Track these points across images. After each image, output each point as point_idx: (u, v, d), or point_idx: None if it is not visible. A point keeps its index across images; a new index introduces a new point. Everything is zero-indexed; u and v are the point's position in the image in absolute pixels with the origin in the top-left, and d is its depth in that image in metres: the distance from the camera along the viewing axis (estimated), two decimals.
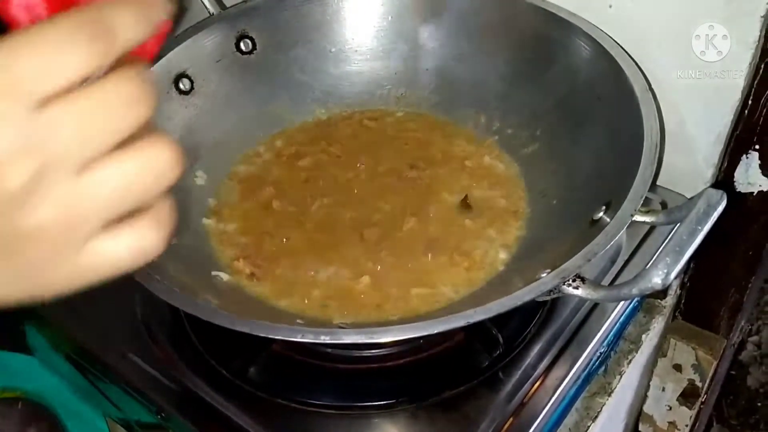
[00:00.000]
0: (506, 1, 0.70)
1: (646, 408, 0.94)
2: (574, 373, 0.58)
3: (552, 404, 0.56)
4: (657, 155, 0.53)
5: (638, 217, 0.50)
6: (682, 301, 0.83)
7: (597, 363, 0.64)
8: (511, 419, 0.55)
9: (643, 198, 0.50)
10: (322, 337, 0.45)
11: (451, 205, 0.65)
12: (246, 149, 0.71)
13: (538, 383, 0.57)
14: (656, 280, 0.44)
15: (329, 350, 0.60)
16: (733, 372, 1.25)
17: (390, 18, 0.74)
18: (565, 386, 0.57)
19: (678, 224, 0.47)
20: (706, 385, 0.86)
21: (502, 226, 0.63)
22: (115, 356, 0.62)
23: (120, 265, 0.27)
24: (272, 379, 0.59)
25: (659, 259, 0.45)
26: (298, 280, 0.59)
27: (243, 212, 0.65)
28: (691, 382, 0.86)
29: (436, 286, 0.59)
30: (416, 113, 0.75)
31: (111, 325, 0.64)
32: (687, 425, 0.91)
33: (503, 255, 0.61)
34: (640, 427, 0.96)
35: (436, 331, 0.45)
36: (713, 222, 0.47)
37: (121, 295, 0.65)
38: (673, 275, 0.44)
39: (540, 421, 0.55)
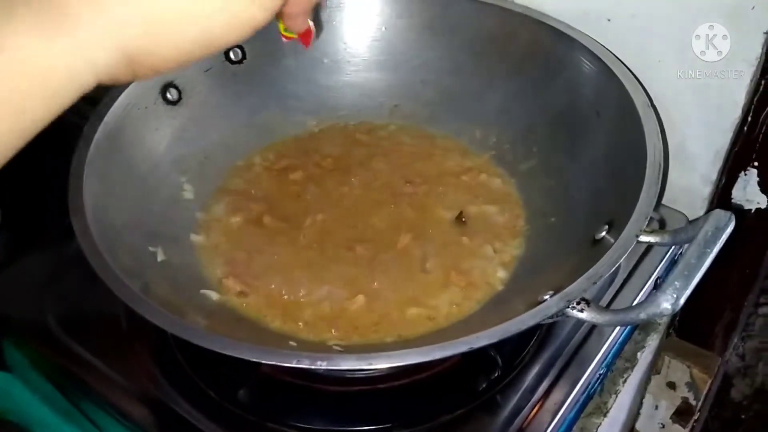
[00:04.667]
0: (504, 15, 0.68)
1: (638, 426, 0.92)
2: (574, 396, 0.56)
3: (552, 429, 0.55)
4: (661, 174, 0.52)
5: (643, 238, 0.49)
6: (677, 318, 0.82)
7: (597, 384, 0.62)
8: None
9: (648, 218, 0.49)
10: (319, 363, 0.42)
11: (448, 222, 0.63)
12: (236, 162, 0.69)
13: (537, 407, 0.56)
14: (665, 305, 0.43)
15: (321, 371, 0.58)
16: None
17: (384, 29, 0.73)
18: (565, 410, 0.56)
19: (686, 246, 0.46)
20: (700, 403, 0.85)
21: (500, 244, 0.61)
22: (98, 376, 0.59)
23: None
24: (262, 402, 0.57)
25: (668, 284, 0.43)
26: (291, 300, 0.57)
27: (232, 228, 0.63)
28: (685, 400, 0.85)
29: (433, 306, 0.57)
30: (410, 126, 0.73)
31: (94, 344, 0.61)
32: None
33: (502, 274, 0.59)
34: None
35: (438, 357, 0.43)
36: (722, 244, 0.45)
37: (105, 314, 0.63)
38: (682, 300, 0.43)
39: None
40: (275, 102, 0.72)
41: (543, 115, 0.66)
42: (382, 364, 0.43)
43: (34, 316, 0.64)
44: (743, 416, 1.38)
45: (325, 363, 0.43)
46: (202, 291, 0.57)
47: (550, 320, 0.46)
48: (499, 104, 0.70)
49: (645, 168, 0.52)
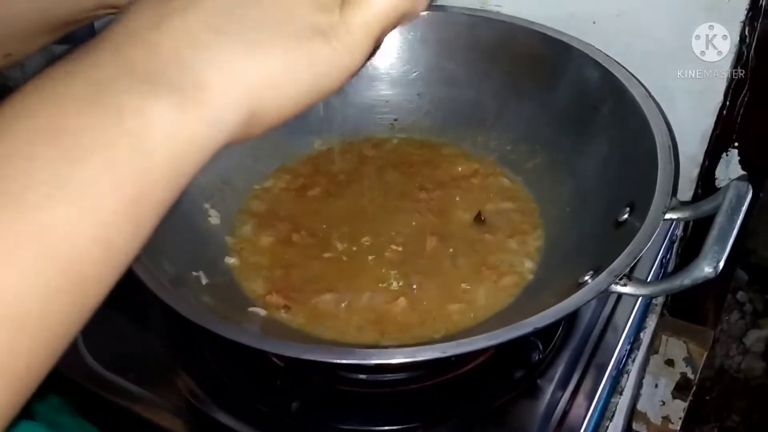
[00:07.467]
0: (493, 24, 0.72)
1: (639, 406, 0.97)
2: (608, 374, 0.60)
3: (593, 407, 0.58)
4: (672, 155, 0.56)
5: (669, 215, 0.53)
6: (669, 299, 0.87)
7: (624, 360, 0.66)
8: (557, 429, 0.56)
9: (670, 196, 0.53)
10: (417, 355, 0.45)
11: (468, 222, 0.67)
12: (253, 185, 0.71)
13: (575, 390, 0.58)
14: (708, 270, 0.47)
15: (364, 376, 0.60)
16: None
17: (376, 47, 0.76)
18: (602, 388, 0.59)
19: (714, 215, 0.50)
20: (698, 376, 0.90)
21: (521, 237, 0.65)
22: (142, 403, 0.60)
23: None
24: (314, 411, 0.59)
25: (706, 250, 0.48)
26: (335, 309, 0.59)
27: (263, 248, 0.65)
28: (684, 375, 0.90)
29: (471, 300, 0.60)
30: (412, 138, 0.76)
31: (134, 373, 0.62)
32: (680, 418, 0.95)
33: (529, 264, 0.62)
34: (634, 425, 0.99)
35: (509, 339, 0.46)
36: (746, 211, 0.50)
37: (138, 342, 0.64)
38: (722, 263, 0.47)
39: (585, 425, 0.57)
40: (280, 126, 0.74)
41: (541, 115, 0.70)
42: (458, 350, 0.46)
43: (69, 353, 0.63)
44: (707, 398, 1.45)
45: (404, 357, 0.45)
46: (250, 309, 0.58)
47: (597, 297, 0.50)
48: (495, 109, 0.74)
49: (656, 151, 0.56)
